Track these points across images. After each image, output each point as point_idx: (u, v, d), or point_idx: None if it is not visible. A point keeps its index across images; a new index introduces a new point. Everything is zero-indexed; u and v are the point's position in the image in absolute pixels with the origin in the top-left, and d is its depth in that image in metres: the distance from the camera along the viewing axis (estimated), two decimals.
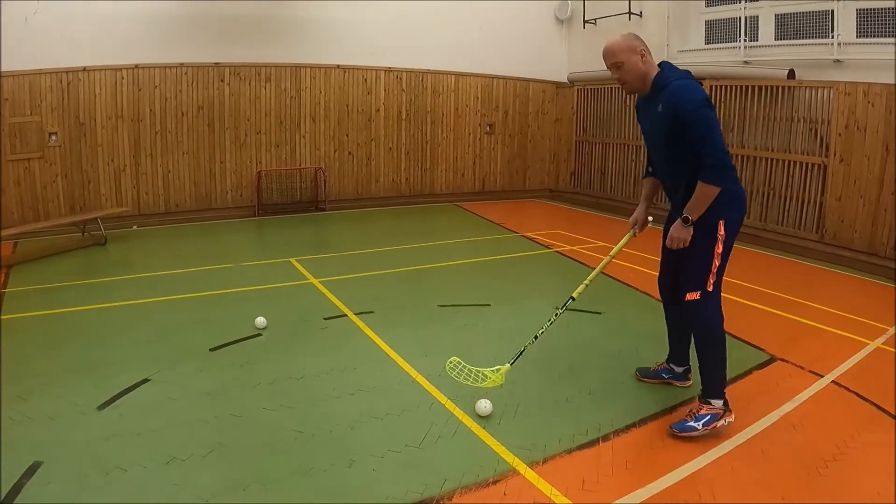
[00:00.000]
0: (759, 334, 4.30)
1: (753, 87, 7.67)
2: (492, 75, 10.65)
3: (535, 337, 3.42)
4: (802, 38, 7.54)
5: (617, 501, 2.46)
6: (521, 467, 2.68)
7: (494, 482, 2.57)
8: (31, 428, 2.97)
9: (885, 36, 6.63)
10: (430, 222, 9.12)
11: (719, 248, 2.89)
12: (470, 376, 3.28)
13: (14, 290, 5.29)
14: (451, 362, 3.37)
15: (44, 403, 3.21)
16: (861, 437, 2.98)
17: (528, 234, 7.92)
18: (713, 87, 7.92)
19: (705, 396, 2.98)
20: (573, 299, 3.42)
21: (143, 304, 4.93)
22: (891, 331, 4.49)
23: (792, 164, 7.29)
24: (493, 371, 3.30)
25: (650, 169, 3.38)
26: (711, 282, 2.92)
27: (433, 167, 10.51)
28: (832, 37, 7.08)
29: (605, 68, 3.02)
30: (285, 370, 3.67)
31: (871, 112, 6.40)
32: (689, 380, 3.50)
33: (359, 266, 6.20)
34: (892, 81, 6.23)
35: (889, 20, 6.62)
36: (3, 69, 6.95)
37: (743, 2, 8.18)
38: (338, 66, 9.37)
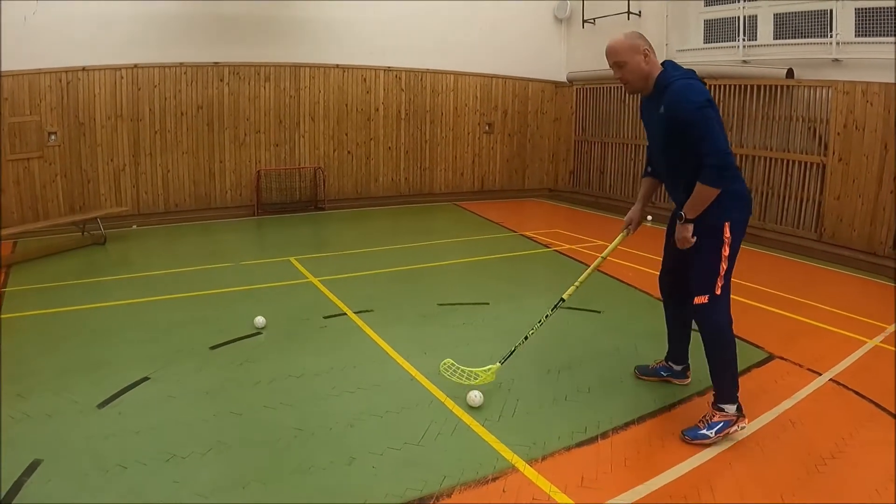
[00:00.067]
0: (758, 333, 4.30)
1: (752, 86, 7.68)
2: (491, 75, 10.66)
3: (526, 337, 3.47)
4: (801, 37, 7.55)
5: (616, 498, 2.46)
6: (521, 464, 2.69)
7: (494, 479, 2.58)
8: (30, 426, 2.97)
9: (884, 35, 6.64)
10: (429, 221, 9.13)
11: (726, 251, 2.84)
12: (463, 376, 3.35)
13: (14, 289, 5.29)
14: (444, 364, 3.42)
15: (43, 402, 3.22)
16: (859, 435, 2.98)
17: (527, 234, 7.93)
18: (712, 87, 7.92)
19: (717, 402, 2.91)
20: (563, 301, 3.44)
21: (142, 304, 4.93)
22: (889, 329, 4.50)
23: (791, 163, 7.31)
24: (484, 371, 3.37)
25: (649, 169, 3.37)
26: (719, 285, 2.86)
27: (432, 166, 10.51)
28: (831, 36, 7.09)
29: (604, 68, 3.00)
30: (285, 368, 3.68)
31: (870, 111, 6.41)
32: (688, 378, 3.51)
33: (358, 265, 6.21)
34: (891, 80, 6.24)
35: (887, 19, 6.63)
36: (2, 69, 6.94)
37: (742, 1, 8.19)
38: (337, 66, 9.38)
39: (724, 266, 2.86)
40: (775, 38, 7.90)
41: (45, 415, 3.08)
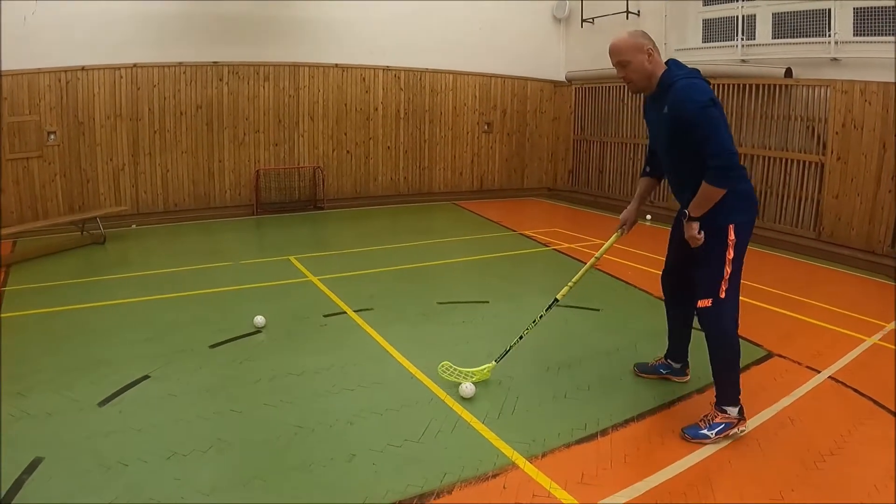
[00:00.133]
0: (757, 331, 4.31)
1: (751, 85, 7.70)
2: (490, 74, 10.67)
3: (520, 336, 3.49)
4: (799, 36, 7.56)
5: (615, 495, 2.47)
6: (521, 461, 2.69)
7: (494, 476, 2.59)
8: (31, 424, 2.98)
9: (882, 34, 6.65)
10: (428, 221, 9.13)
11: (730, 255, 2.80)
12: (460, 377, 3.39)
13: (13, 288, 5.29)
14: (442, 366, 3.45)
15: (44, 400, 3.22)
16: (858, 432, 2.99)
17: (527, 233, 7.94)
18: (711, 86, 7.92)
19: (720, 404, 2.91)
20: (557, 301, 3.45)
21: (142, 302, 4.94)
22: (888, 327, 4.52)
23: (789, 162, 7.32)
24: (479, 370, 3.42)
25: (647, 169, 3.36)
26: (724, 289, 2.82)
27: (431, 166, 10.52)
28: (829, 35, 7.11)
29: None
30: (285, 367, 3.68)
31: (868, 110, 6.43)
32: (687, 375, 3.52)
33: (357, 264, 6.22)
34: (889, 79, 6.26)
35: (886, 19, 6.65)
36: (2, 68, 6.94)
37: (740, 1, 8.20)
38: (336, 65, 9.38)
39: (728, 269, 2.81)
40: (774, 37, 7.92)
41: (46, 413, 3.09)
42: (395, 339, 4.13)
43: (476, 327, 4.46)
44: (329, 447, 2.80)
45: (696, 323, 3.09)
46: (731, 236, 2.80)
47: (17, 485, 2.47)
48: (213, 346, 4.00)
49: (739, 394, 2.92)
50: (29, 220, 7.27)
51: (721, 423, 2.88)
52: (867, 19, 6.82)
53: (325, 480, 2.56)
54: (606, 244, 3.37)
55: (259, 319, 4.32)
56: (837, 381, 3.59)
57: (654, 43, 2.88)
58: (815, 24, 7.36)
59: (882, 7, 6.66)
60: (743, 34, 8.17)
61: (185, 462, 2.67)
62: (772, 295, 5.28)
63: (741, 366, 3.68)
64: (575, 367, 3.73)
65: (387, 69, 9.80)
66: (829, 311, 4.89)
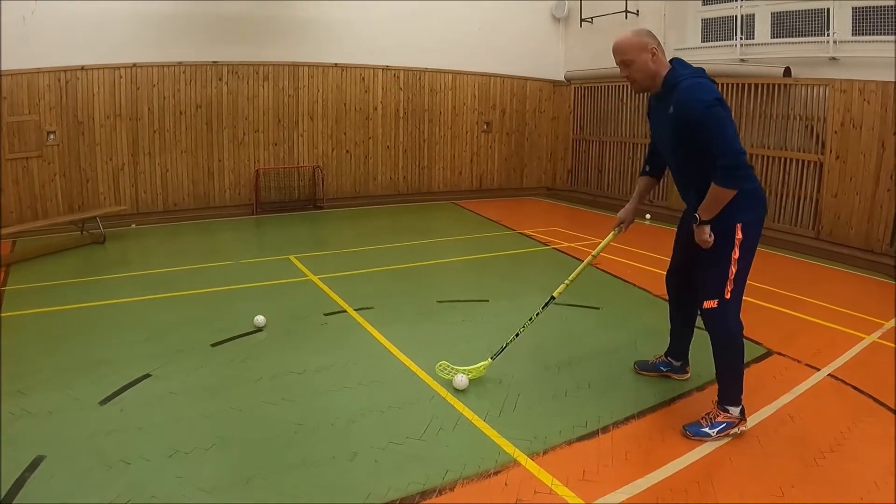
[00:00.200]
0: (756, 329, 4.32)
1: (750, 84, 7.71)
2: (489, 73, 10.67)
3: (517, 334, 3.49)
4: (798, 36, 7.58)
5: (617, 491, 2.48)
6: (522, 458, 2.70)
7: (496, 473, 2.60)
8: (32, 423, 2.98)
9: (881, 34, 6.68)
10: (427, 220, 9.14)
11: (736, 254, 2.77)
12: (457, 375, 3.40)
13: (13, 287, 5.29)
14: (440, 365, 3.47)
15: (45, 399, 3.22)
16: (858, 429, 3.00)
17: (526, 232, 7.95)
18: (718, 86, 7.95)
19: (722, 403, 2.91)
20: (554, 298, 3.46)
21: (142, 302, 4.94)
22: (888, 325, 4.53)
23: (788, 161, 7.33)
24: (475, 368, 3.44)
25: (647, 168, 3.35)
26: (729, 289, 2.80)
27: (431, 165, 10.52)
28: (828, 35, 7.13)
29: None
30: (286, 365, 3.69)
31: (867, 109, 6.44)
32: (687, 373, 3.53)
33: (357, 263, 6.22)
34: (887, 79, 6.27)
35: (884, 18, 6.67)
36: (2, 68, 6.94)
37: (739, 0, 8.22)
38: (335, 65, 9.38)
39: (733, 269, 2.79)
40: (773, 36, 7.94)
41: (47, 412, 3.09)
42: (395, 337, 4.14)
43: (476, 326, 4.47)
44: (331, 445, 2.81)
45: (698, 322, 3.09)
46: (738, 235, 2.77)
47: (19, 483, 2.47)
48: (213, 345, 4.00)
49: (742, 393, 2.93)
50: (28, 220, 7.27)
51: (723, 423, 2.89)
52: (866, 19, 6.85)
53: (326, 478, 2.57)
54: (603, 242, 3.38)
55: (259, 319, 4.32)
56: (837, 378, 3.61)
57: (658, 42, 2.85)
58: (813, 23, 7.38)
59: (881, 7, 6.68)
60: (742, 34, 8.19)
61: (187, 460, 2.67)
62: (771, 293, 5.29)
63: None
64: (575, 365, 3.73)
65: (386, 69, 9.80)
66: (828, 309, 4.90)
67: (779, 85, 7.41)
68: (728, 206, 2.71)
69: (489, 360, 3.47)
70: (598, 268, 5.88)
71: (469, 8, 10.17)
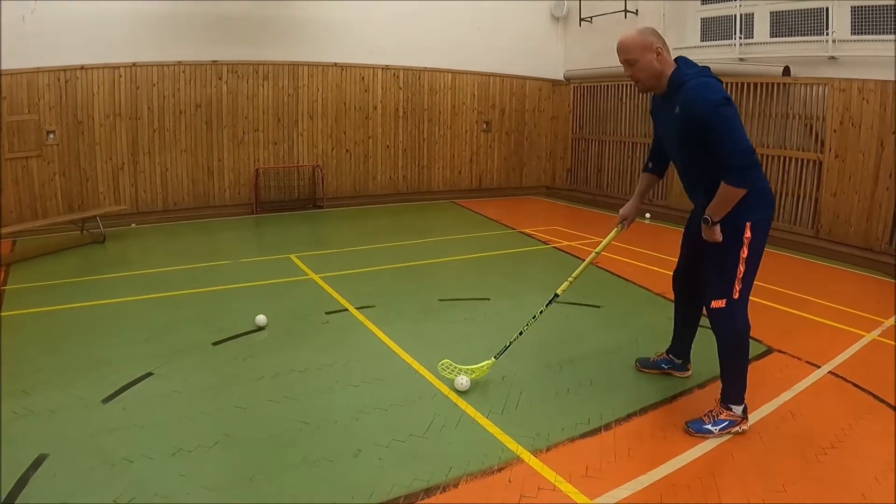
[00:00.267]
0: (756, 327, 4.23)
1: (749, 84, 7.73)
2: (488, 73, 10.68)
3: (520, 332, 3.50)
4: (797, 35, 7.60)
5: (620, 488, 2.49)
6: (526, 455, 2.71)
7: (499, 470, 2.60)
8: (34, 422, 2.98)
9: (879, 33, 6.69)
10: (427, 219, 9.15)
11: (744, 253, 2.75)
12: (459, 374, 3.39)
13: (13, 287, 5.28)
14: (442, 364, 3.46)
15: (47, 398, 3.22)
16: (859, 426, 3.02)
17: (526, 231, 7.96)
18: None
19: (725, 401, 2.91)
20: (557, 296, 3.46)
21: (142, 301, 4.93)
22: (888, 322, 4.54)
23: (787, 160, 7.35)
24: (478, 367, 3.43)
25: (650, 164, 3.34)
26: (737, 289, 2.78)
27: (430, 165, 10.53)
28: (827, 34, 7.15)
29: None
30: (288, 363, 3.69)
31: (866, 108, 6.46)
32: (689, 370, 3.53)
33: (358, 262, 6.22)
34: (886, 78, 6.29)
35: (883, 17, 6.69)
36: (1, 68, 6.93)
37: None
38: (335, 64, 9.38)
39: (742, 268, 2.76)
40: (772, 35, 7.95)
41: (50, 410, 3.09)
42: (397, 336, 4.14)
43: (477, 324, 4.48)
44: (334, 443, 2.81)
45: (702, 321, 3.09)
46: (748, 234, 2.75)
47: (22, 482, 2.47)
48: (214, 344, 4.00)
49: (745, 392, 2.93)
50: (28, 220, 7.26)
51: (725, 421, 2.90)
52: (865, 18, 6.87)
53: (330, 476, 2.57)
54: (606, 239, 3.38)
55: (260, 318, 4.32)
56: (837, 375, 3.62)
57: (664, 41, 2.81)
58: (812, 22, 7.40)
59: (879, 6, 6.70)
60: (741, 33, 8.20)
61: (190, 458, 2.67)
62: (771, 292, 5.29)
63: None
64: (577, 363, 3.74)
65: (386, 68, 9.81)
66: (828, 307, 4.92)
67: (778, 84, 7.42)
68: (737, 205, 2.69)
69: (493, 359, 3.47)
70: (598, 266, 5.89)
71: (469, 8, 10.17)
